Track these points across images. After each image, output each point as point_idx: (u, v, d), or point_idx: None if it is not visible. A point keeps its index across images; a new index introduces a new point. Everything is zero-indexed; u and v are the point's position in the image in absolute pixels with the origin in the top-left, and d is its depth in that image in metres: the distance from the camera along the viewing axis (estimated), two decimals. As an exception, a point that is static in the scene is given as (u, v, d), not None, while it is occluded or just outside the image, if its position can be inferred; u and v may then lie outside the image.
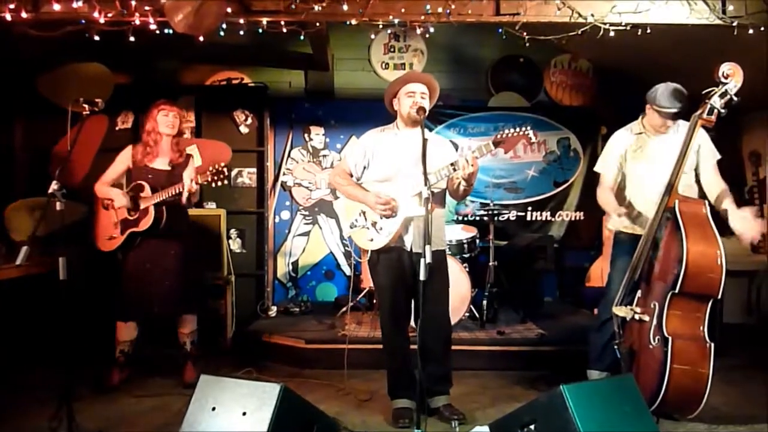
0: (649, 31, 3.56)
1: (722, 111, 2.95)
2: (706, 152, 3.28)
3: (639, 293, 3.20)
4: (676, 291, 2.91)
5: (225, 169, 3.48)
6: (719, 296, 2.92)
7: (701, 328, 2.97)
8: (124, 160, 3.73)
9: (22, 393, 3.58)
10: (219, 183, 3.47)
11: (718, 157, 3.29)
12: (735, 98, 2.93)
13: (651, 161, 3.27)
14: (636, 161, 3.38)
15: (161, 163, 3.70)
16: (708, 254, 2.89)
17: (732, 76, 2.93)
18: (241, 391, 2.43)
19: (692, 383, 2.90)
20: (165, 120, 3.65)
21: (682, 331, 2.96)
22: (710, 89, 2.98)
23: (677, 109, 3.17)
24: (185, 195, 3.54)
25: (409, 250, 3.10)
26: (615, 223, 3.42)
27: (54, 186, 2.91)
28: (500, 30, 3.63)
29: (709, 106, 2.96)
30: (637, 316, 3.12)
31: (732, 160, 5.50)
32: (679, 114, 3.19)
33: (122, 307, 3.68)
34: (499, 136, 2.90)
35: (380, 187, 3.14)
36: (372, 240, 3.16)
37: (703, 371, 2.90)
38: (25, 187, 4.92)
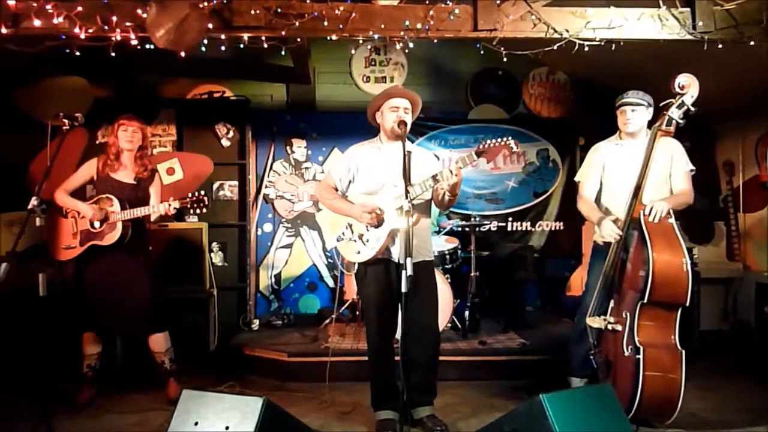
0: (622, 44, 3.65)
1: (680, 121, 3.05)
2: (678, 162, 3.37)
3: (612, 303, 3.27)
4: (645, 301, 2.98)
5: (205, 198, 3.47)
6: (687, 303, 2.99)
7: (672, 336, 3.04)
8: (87, 170, 3.70)
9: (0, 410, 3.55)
10: (198, 211, 3.46)
11: (691, 167, 3.38)
12: (692, 109, 3.02)
13: (626, 171, 3.34)
14: (613, 171, 3.48)
15: (125, 176, 3.68)
16: (673, 263, 2.96)
17: (688, 87, 3.02)
18: (223, 405, 2.43)
19: (665, 390, 2.97)
20: (124, 135, 3.64)
21: (654, 340, 3.03)
22: (668, 101, 3.08)
23: (636, 100, 3.30)
24: (155, 215, 3.54)
25: (396, 261, 3.12)
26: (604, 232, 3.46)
27: (34, 201, 2.90)
28: (478, 45, 3.69)
29: (667, 117, 3.06)
30: (610, 326, 3.18)
31: (706, 170, 5.63)
32: (638, 107, 3.31)
33: (83, 317, 3.63)
34: (481, 147, 2.94)
35: (366, 200, 3.17)
36: (359, 252, 3.18)
37: (676, 378, 2.97)
38: (1, 202, 4.86)
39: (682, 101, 3.03)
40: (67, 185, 3.67)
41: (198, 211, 3.47)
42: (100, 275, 3.58)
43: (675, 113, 3.04)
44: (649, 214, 3.06)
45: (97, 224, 3.58)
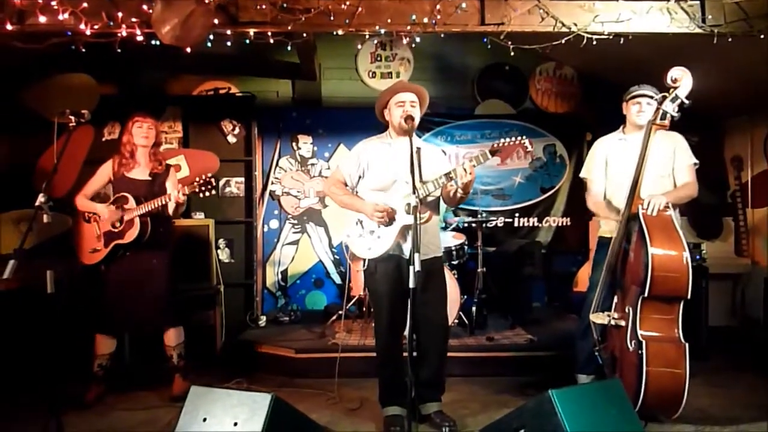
0: (631, 38, 3.62)
1: (675, 115, 3.04)
2: (681, 156, 3.37)
3: (616, 299, 3.26)
4: (646, 295, 2.96)
5: (212, 180, 3.50)
6: (689, 296, 2.97)
7: (675, 329, 3.02)
8: (104, 172, 3.74)
9: (8, 408, 3.56)
10: (207, 193, 3.49)
11: (695, 160, 3.37)
12: (686, 101, 3.01)
13: (630, 166, 3.32)
14: (617, 166, 3.47)
15: (141, 174, 3.72)
16: (672, 257, 2.95)
17: (680, 80, 3.01)
18: (231, 402, 2.43)
19: (669, 384, 2.95)
20: (139, 131, 3.68)
21: (656, 333, 3.01)
22: (662, 95, 3.08)
23: (651, 93, 3.31)
24: (171, 206, 3.56)
25: (407, 257, 3.09)
26: (605, 227, 3.49)
27: (41, 198, 2.90)
28: (485, 39, 3.67)
29: (661, 111, 3.06)
30: (613, 322, 3.17)
31: (714, 165, 5.60)
32: (652, 100, 3.30)
33: (104, 320, 3.65)
34: (495, 145, 2.91)
35: (376, 195, 3.16)
36: (370, 248, 3.17)
37: (680, 371, 2.95)
38: (9, 200, 4.87)
39: (676, 94, 3.02)
40: (86, 190, 3.73)
41: (208, 192, 3.49)
42: (124, 273, 3.62)
43: (669, 107, 3.04)
44: (647, 208, 3.06)
45: (117, 224, 3.61)
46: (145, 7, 3.41)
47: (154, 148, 3.77)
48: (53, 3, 3.37)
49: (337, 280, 5.91)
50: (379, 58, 5.95)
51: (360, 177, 3.28)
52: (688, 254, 2.95)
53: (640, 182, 3.12)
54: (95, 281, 3.75)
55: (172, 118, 5.41)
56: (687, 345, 2.98)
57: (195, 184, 3.49)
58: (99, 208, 3.65)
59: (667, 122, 3.06)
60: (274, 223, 5.90)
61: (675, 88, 3.01)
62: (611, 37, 3.58)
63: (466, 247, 4.88)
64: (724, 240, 5.42)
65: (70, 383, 3.57)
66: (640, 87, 3.38)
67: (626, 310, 3.12)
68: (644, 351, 2.95)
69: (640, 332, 3.01)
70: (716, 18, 3.52)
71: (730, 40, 3.55)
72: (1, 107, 5.01)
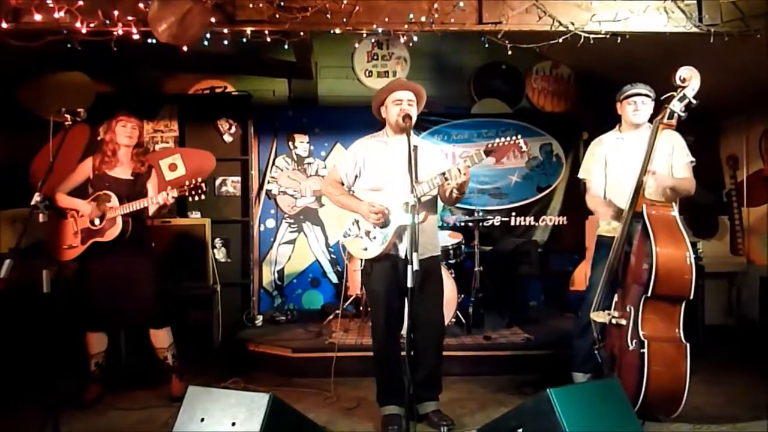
0: (628, 37, 3.63)
1: (682, 114, 3.04)
2: (679, 154, 3.39)
3: (616, 297, 3.27)
4: (649, 294, 2.97)
5: (203, 184, 3.48)
6: (691, 297, 2.98)
7: (676, 329, 3.03)
8: (83, 170, 3.69)
9: (5, 408, 3.54)
10: (197, 198, 3.46)
11: (692, 159, 3.38)
12: (694, 101, 3.02)
13: (628, 164, 3.33)
14: (615, 164, 3.48)
15: (122, 173, 3.68)
16: (676, 257, 2.95)
17: (689, 80, 3.02)
18: (229, 402, 2.43)
19: (670, 384, 2.96)
20: (123, 131, 3.64)
21: (658, 333, 3.02)
22: (669, 94, 3.08)
23: (646, 91, 3.34)
24: (153, 207, 3.55)
25: (403, 257, 3.08)
26: (605, 226, 3.50)
27: (37, 198, 2.89)
28: (483, 38, 3.67)
29: (669, 110, 3.06)
30: (614, 321, 3.18)
31: (710, 164, 5.61)
32: (647, 98, 3.34)
33: (90, 317, 3.62)
34: (490, 145, 2.89)
35: (373, 195, 3.15)
36: (366, 249, 3.16)
37: (681, 371, 2.96)
38: (5, 198, 4.85)
39: (684, 94, 3.03)
40: (63, 187, 3.66)
41: (197, 197, 3.48)
42: (104, 271, 3.57)
43: (676, 106, 3.04)
44: (653, 185, 3.13)
45: (96, 221, 3.57)
46: (141, 5, 3.39)
47: (136, 149, 3.73)
48: (49, 1, 3.35)
49: (334, 279, 5.91)
50: (375, 57, 5.95)
51: (356, 177, 3.27)
52: (691, 254, 2.96)
53: (645, 182, 3.12)
54: (83, 279, 3.71)
55: (168, 117, 5.40)
56: (688, 345, 2.99)
57: (185, 187, 3.47)
58: (81, 204, 3.59)
59: (674, 122, 3.07)
60: (270, 223, 5.89)
61: (683, 87, 3.02)
62: (608, 36, 3.58)
63: (463, 246, 4.87)
64: (720, 239, 5.44)
65: (69, 382, 3.56)
66: (633, 86, 3.39)
67: (627, 309, 3.12)
68: (646, 350, 2.96)
69: (641, 332, 3.01)
70: (713, 17, 3.52)
71: (726, 39, 3.55)
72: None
